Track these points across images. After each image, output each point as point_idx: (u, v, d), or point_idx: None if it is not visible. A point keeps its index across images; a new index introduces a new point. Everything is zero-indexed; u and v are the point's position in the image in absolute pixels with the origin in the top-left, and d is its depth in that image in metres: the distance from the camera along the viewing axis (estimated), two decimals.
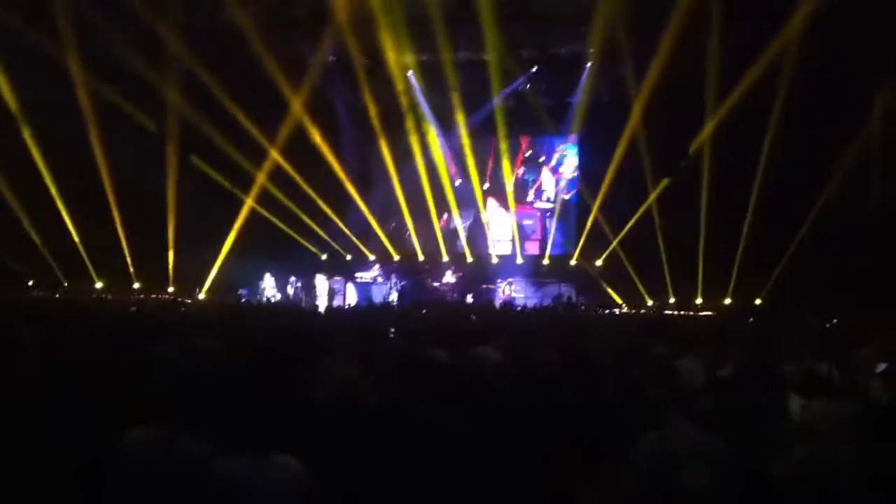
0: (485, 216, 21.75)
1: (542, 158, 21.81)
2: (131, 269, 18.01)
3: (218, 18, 16.13)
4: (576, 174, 21.37)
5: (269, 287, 19.65)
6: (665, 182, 17.57)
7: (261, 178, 18.59)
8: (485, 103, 19.59)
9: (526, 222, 21.94)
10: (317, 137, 18.66)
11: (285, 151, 18.50)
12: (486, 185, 21.81)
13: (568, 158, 21.51)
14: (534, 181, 21.92)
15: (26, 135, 15.53)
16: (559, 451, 3.19)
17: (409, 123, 19.96)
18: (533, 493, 3.18)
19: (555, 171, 21.75)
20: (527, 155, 21.89)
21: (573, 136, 21.11)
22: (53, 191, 16.26)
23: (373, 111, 19.61)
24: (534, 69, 19.32)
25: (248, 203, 18.73)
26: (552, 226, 21.51)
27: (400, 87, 18.84)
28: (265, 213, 19.08)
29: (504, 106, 19.43)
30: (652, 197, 17.82)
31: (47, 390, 3.75)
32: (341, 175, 20.01)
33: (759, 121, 15.13)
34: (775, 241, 15.57)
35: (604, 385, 4.25)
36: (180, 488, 3.20)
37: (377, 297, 18.86)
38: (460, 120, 19.60)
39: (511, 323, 9.93)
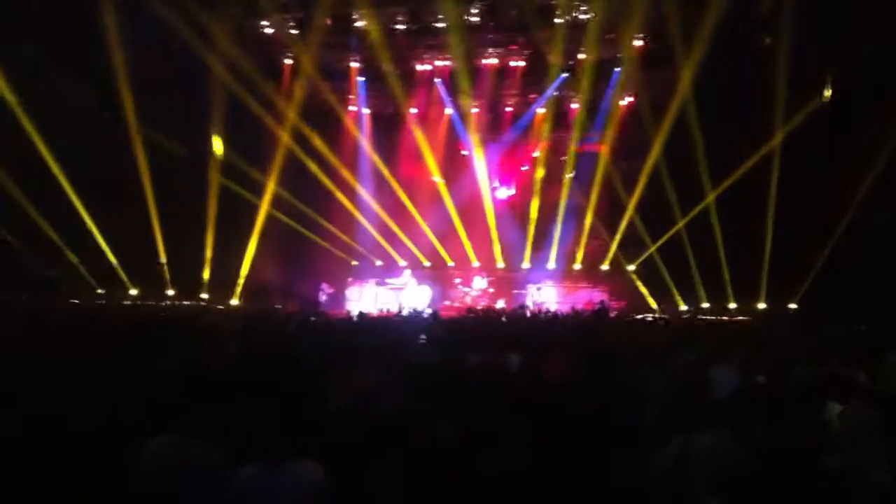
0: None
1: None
2: (167, 277, 18.06)
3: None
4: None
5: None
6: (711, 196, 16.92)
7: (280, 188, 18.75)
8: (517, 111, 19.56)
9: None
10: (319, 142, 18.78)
11: (315, 162, 18.87)
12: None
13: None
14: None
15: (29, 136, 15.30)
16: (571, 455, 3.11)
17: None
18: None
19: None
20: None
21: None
22: (74, 198, 16.11)
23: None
24: (564, 75, 19.19)
25: (269, 211, 18.72)
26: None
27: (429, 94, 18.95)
28: (293, 224, 19.15)
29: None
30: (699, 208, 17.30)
31: (67, 396, 3.75)
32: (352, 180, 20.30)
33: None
34: (812, 245, 15.17)
35: (626, 394, 4.14)
36: (197, 497, 3.19)
37: (407, 303, 18.78)
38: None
39: (528, 331, 9.64)
